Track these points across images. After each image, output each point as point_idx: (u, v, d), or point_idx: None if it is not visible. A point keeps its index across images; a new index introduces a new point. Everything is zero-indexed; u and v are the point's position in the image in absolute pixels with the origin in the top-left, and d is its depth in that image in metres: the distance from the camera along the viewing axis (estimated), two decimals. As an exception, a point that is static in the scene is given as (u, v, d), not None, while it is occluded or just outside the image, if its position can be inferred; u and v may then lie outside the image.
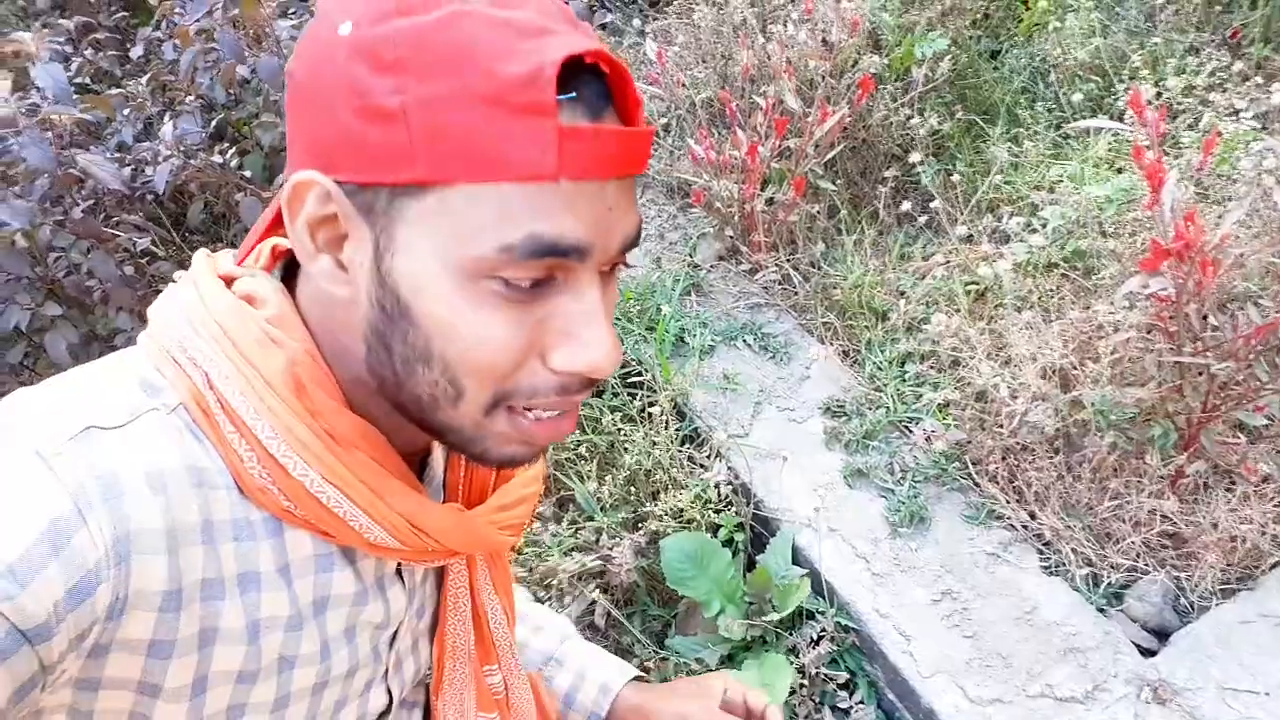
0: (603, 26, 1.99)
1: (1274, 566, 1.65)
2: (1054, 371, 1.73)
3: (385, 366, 0.56)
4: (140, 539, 0.51)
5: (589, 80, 0.51)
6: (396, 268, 0.53)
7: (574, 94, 0.49)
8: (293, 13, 1.72)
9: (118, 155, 1.79)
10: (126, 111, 1.79)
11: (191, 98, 1.81)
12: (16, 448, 0.49)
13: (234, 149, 1.88)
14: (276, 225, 0.65)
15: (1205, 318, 1.53)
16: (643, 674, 0.97)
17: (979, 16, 2.82)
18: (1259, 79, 2.20)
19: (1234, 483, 1.72)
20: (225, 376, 0.56)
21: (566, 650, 0.97)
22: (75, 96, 1.63)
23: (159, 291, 0.65)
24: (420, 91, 0.48)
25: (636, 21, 2.86)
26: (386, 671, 0.71)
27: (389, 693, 0.72)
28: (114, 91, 1.87)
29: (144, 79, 1.88)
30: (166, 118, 1.71)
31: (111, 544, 0.49)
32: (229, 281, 0.61)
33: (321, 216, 0.54)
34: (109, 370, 0.57)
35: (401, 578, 0.69)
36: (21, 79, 1.72)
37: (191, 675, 0.55)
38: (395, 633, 0.70)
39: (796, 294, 2.30)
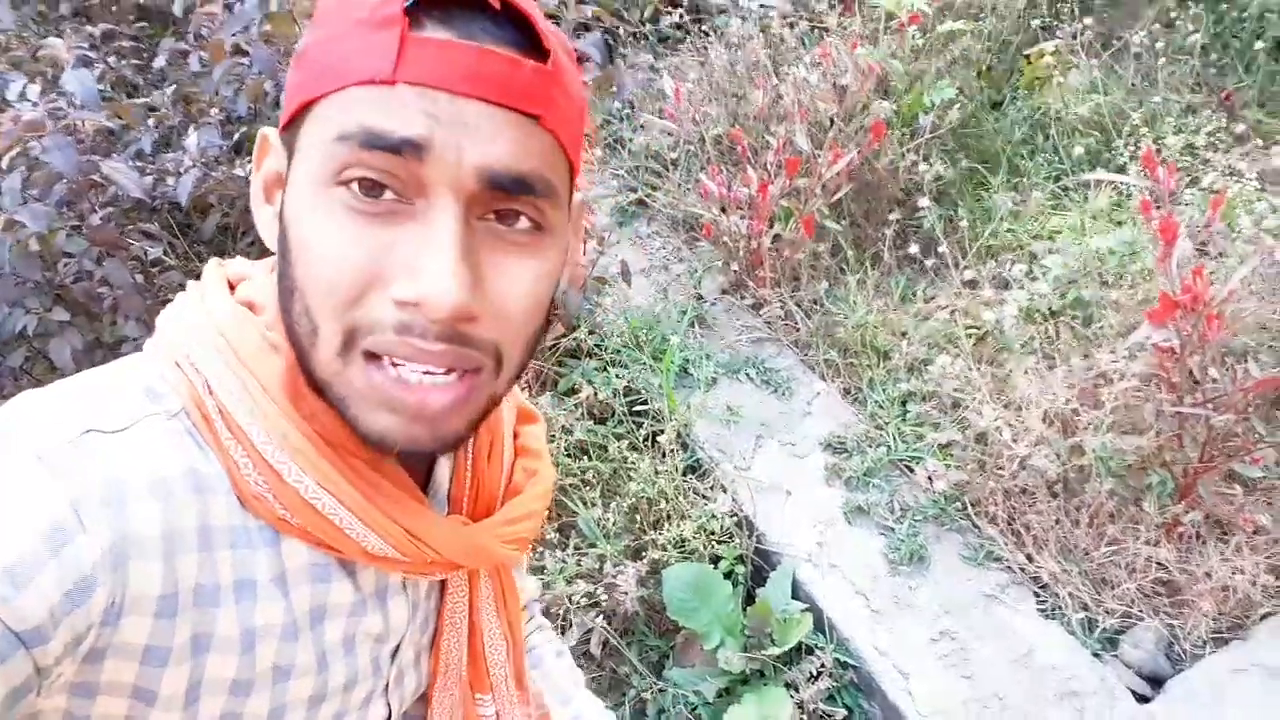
0: (611, 61, 2.02)
1: (1265, 617, 1.68)
2: (1056, 417, 1.76)
3: (286, 320, 0.55)
4: (137, 544, 0.50)
5: (475, 13, 0.51)
6: (287, 197, 0.55)
7: (438, 12, 0.50)
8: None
9: (136, 164, 1.80)
10: (150, 122, 1.80)
11: (215, 110, 1.83)
12: (17, 451, 0.49)
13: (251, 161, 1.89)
14: None
15: (1206, 370, 1.57)
16: None
17: (983, 68, 2.89)
18: (1258, 140, 2.27)
19: (1227, 533, 1.75)
20: (222, 381, 0.56)
21: None
22: (101, 103, 1.64)
23: (167, 301, 0.66)
24: (317, 31, 0.54)
25: (646, 56, 2.91)
26: (387, 685, 0.70)
27: (388, 706, 0.71)
28: (136, 101, 1.88)
29: (168, 89, 1.89)
30: (191, 130, 1.72)
31: (109, 548, 0.49)
32: (235, 286, 0.62)
33: (271, 172, 0.58)
34: (114, 375, 0.57)
35: (406, 590, 0.68)
36: (48, 83, 1.72)
37: (185, 682, 0.55)
38: (398, 646, 0.69)
39: (799, 330, 2.32)
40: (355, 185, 0.50)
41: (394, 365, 0.52)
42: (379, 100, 0.50)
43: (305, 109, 0.53)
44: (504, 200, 0.53)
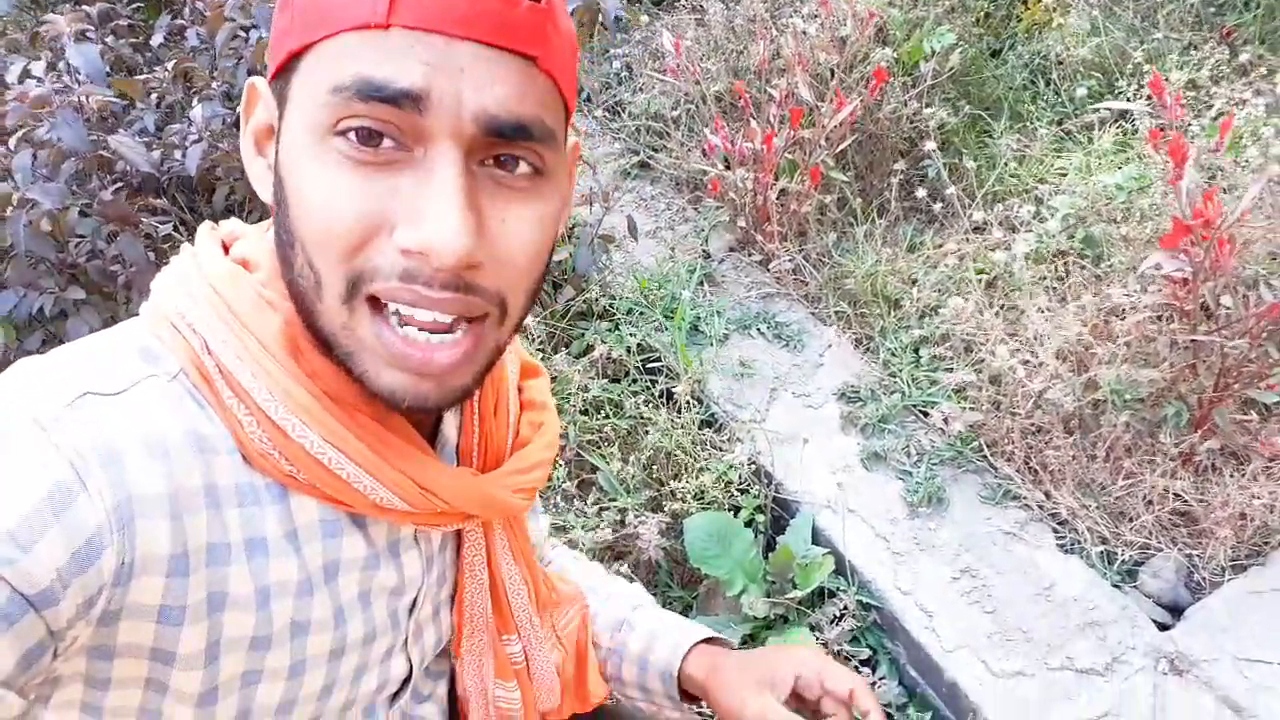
0: (618, 20, 2.02)
1: (1283, 542, 1.70)
2: (1070, 353, 1.77)
3: (287, 274, 0.55)
4: (142, 504, 0.51)
5: None
6: (281, 147, 0.54)
7: None
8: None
9: (142, 140, 1.80)
10: (152, 97, 1.80)
11: (217, 83, 1.83)
12: (15, 416, 0.49)
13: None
14: None
15: (1219, 298, 1.57)
16: (716, 636, 0.91)
17: (981, 14, 2.87)
18: (1262, 70, 2.26)
19: (1243, 461, 1.76)
20: (222, 341, 0.56)
21: (638, 616, 0.92)
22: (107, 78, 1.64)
23: None
24: None
25: (645, 17, 2.89)
26: (406, 640, 0.71)
27: (409, 661, 0.72)
28: (137, 78, 1.88)
29: (168, 66, 1.88)
30: (196, 101, 1.72)
31: (113, 509, 0.49)
32: (229, 248, 0.62)
33: (261, 122, 0.56)
34: (109, 340, 0.57)
35: (418, 543, 0.68)
36: (50, 63, 1.72)
37: (204, 642, 0.55)
38: (415, 601, 0.70)
39: (808, 284, 2.33)
40: (353, 135, 0.50)
41: (402, 324, 0.53)
42: (373, 47, 0.49)
43: (295, 57, 0.52)
44: (503, 146, 0.52)
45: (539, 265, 0.57)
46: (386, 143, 0.50)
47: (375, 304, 0.53)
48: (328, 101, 0.50)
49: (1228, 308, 1.57)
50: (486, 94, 0.50)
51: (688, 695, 0.88)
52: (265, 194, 0.57)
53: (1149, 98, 1.66)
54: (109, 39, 2.04)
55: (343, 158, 0.50)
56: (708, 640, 0.90)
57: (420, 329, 0.53)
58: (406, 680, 0.74)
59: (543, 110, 0.53)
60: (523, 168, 0.54)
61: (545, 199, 0.55)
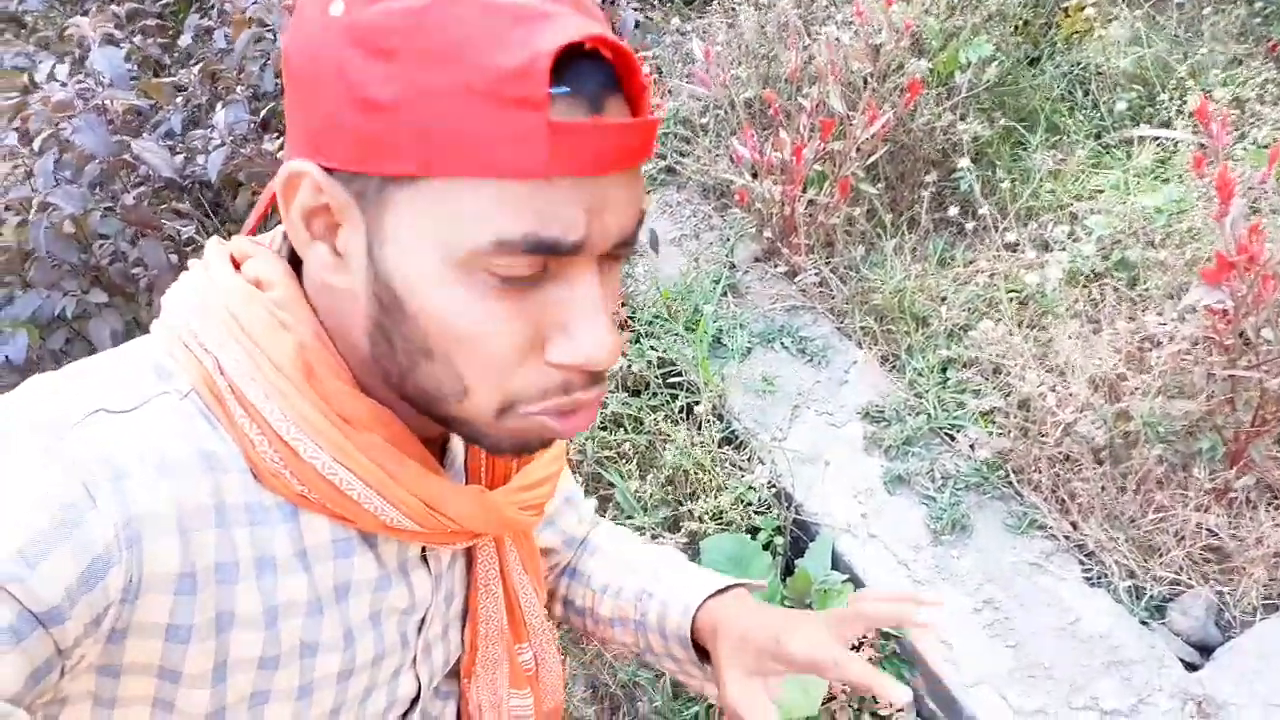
0: (637, 25, 1.98)
1: (1319, 584, 1.65)
2: (1102, 381, 1.72)
3: (389, 359, 0.55)
4: (151, 522, 0.50)
5: (588, 69, 0.48)
6: (388, 258, 0.52)
7: (567, 88, 0.47)
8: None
9: (166, 143, 1.79)
10: (179, 100, 1.79)
11: (242, 86, 1.81)
12: (26, 432, 0.49)
13: (281, 138, 1.88)
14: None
15: (1260, 331, 1.52)
16: (737, 584, 0.83)
17: (1020, 23, 2.81)
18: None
19: (1278, 498, 1.71)
20: (235, 360, 0.55)
21: (658, 581, 0.87)
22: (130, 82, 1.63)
23: None
24: (414, 84, 0.47)
25: (676, 20, 2.85)
26: (415, 659, 0.70)
27: (417, 680, 0.72)
28: (165, 79, 1.87)
29: (195, 67, 1.88)
30: (219, 106, 1.71)
31: (122, 526, 0.49)
32: (240, 264, 0.61)
33: (315, 206, 0.53)
34: (122, 357, 0.57)
35: (426, 562, 0.68)
36: (75, 63, 1.72)
37: (211, 661, 0.55)
38: (424, 619, 0.69)
39: (834, 297, 2.29)
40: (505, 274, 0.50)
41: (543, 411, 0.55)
42: (536, 198, 0.48)
43: (409, 176, 0.50)
44: (621, 251, 0.54)
45: None
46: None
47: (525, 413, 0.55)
48: (485, 250, 0.49)
49: (1269, 341, 1.52)
50: (625, 217, 0.52)
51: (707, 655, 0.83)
52: (338, 281, 0.55)
53: (1192, 117, 1.61)
54: (136, 38, 2.03)
55: (493, 290, 0.51)
56: (721, 590, 0.83)
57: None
58: (414, 701, 0.73)
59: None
60: (621, 259, 0.57)
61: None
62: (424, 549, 0.67)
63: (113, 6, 1.90)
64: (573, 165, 0.48)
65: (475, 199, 0.48)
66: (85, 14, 1.89)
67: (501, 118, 0.47)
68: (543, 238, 0.48)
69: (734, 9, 2.80)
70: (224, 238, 0.65)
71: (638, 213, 0.54)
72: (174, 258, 1.78)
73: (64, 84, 1.56)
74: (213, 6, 2.04)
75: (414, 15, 0.47)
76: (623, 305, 2.16)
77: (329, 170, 0.51)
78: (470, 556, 0.73)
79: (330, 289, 0.56)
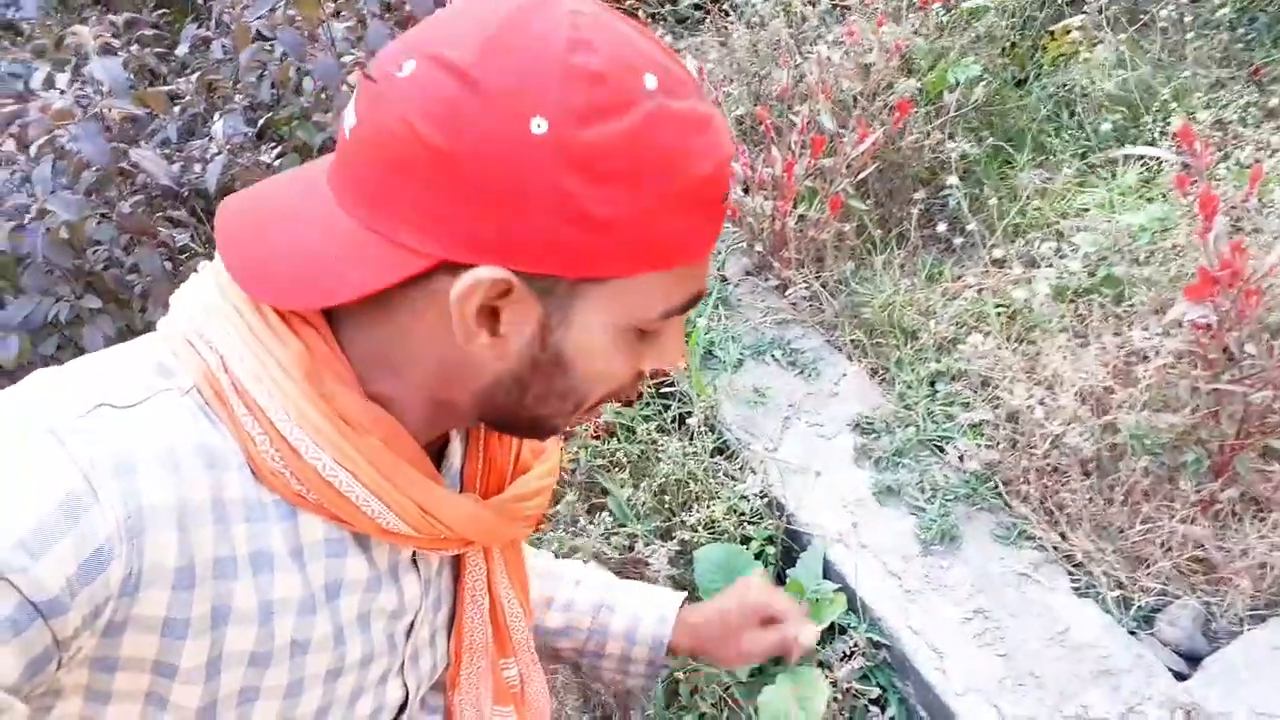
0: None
1: (1304, 594, 1.67)
2: (1089, 395, 1.75)
3: (510, 397, 0.61)
4: (152, 515, 0.51)
5: None
6: (568, 338, 0.58)
7: None
8: (345, 15, 1.74)
9: (163, 152, 1.80)
10: (177, 109, 1.80)
11: (239, 96, 1.83)
12: (30, 425, 0.50)
13: (278, 149, 1.89)
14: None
15: (1243, 346, 1.55)
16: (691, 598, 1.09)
17: (1007, 45, 2.86)
18: (1293, 114, 2.24)
19: (1264, 510, 1.73)
20: (240, 359, 0.57)
21: (615, 596, 1.04)
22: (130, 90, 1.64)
23: None
24: (632, 202, 0.52)
25: (669, 39, 2.89)
26: (403, 664, 0.71)
27: (405, 686, 0.72)
28: (161, 88, 1.88)
29: (192, 76, 1.89)
30: (216, 116, 1.72)
31: (123, 519, 0.50)
32: None
33: (492, 305, 0.55)
34: (125, 353, 0.58)
35: (417, 567, 0.69)
36: (74, 72, 1.73)
37: (205, 656, 0.56)
38: (413, 624, 0.70)
39: (824, 311, 2.31)
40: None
41: None
42: (697, 270, 0.60)
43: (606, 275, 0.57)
44: None
45: None
46: None
47: None
48: (655, 320, 0.59)
49: (1252, 356, 1.55)
50: None
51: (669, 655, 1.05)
52: (490, 360, 0.59)
53: (1175, 138, 1.64)
54: (133, 47, 2.04)
55: (634, 337, 0.60)
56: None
57: None
58: (402, 709, 0.74)
59: None
60: None
61: None
62: (414, 553, 0.68)
63: (110, 16, 1.91)
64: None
65: (661, 283, 0.57)
66: (84, 22, 1.90)
67: (700, 216, 0.56)
68: (697, 298, 0.61)
69: (726, 28, 2.84)
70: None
71: None
72: (168, 265, 1.78)
73: (63, 91, 1.57)
74: (209, 17, 2.06)
75: (628, 138, 0.51)
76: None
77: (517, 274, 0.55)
78: (459, 566, 0.75)
79: (462, 354, 0.58)
